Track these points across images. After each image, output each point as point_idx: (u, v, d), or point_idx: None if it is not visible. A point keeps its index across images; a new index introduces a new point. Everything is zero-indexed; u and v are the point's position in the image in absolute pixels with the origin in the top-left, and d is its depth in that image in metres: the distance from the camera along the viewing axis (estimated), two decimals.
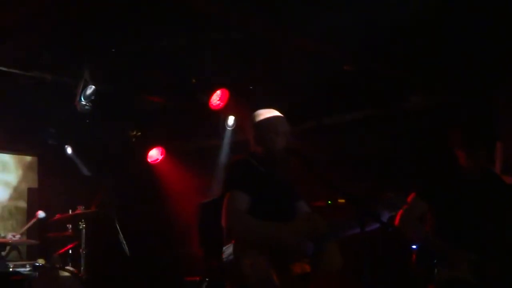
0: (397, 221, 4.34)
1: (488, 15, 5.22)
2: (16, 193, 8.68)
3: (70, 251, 6.46)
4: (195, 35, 6.12)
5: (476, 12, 5.17)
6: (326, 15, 5.31)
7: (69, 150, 8.14)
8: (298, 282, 3.63)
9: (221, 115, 7.54)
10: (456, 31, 5.48)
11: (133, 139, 8.41)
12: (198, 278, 6.97)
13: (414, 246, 4.58)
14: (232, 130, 7.74)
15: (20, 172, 8.77)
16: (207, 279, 5.42)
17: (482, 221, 4.28)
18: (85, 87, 6.50)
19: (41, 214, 6.60)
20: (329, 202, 6.49)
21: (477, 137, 4.40)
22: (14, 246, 6.19)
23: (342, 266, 3.85)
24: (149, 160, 8.59)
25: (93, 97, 6.52)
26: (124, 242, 6.54)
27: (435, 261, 4.29)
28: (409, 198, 4.42)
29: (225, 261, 3.57)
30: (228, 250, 3.57)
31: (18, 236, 6.48)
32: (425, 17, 5.24)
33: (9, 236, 6.33)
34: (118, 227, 6.56)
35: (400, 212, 4.26)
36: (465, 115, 6.22)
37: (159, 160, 8.61)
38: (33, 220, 6.67)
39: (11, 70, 6.39)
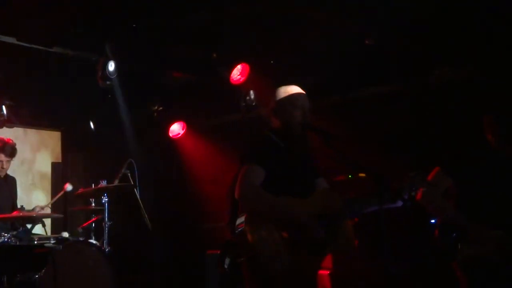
0: (419, 196, 4.31)
1: None
2: (40, 167, 8.80)
3: (93, 225, 6.54)
4: (216, 10, 6.09)
5: None
6: None
7: (92, 125, 8.20)
8: (312, 258, 3.65)
9: (241, 90, 7.52)
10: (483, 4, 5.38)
11: (155, 114, 8.44)
12: (219, 252, 7.06)
13: (433, 221, 4.56)
14: (252, 105, 7.72)
15: (44, 146, 8.88)
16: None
17: (508, 198, 4.23)
18: (107, 63, 6.53)
19: (69, 187, 6.67)
20: (350, 176, 6.47)
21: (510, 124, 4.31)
22: (39, 219, 6.27)
23: (355, 245, 3.84)
24: (170, 134, 8.62)
25: (115, 73, 6.54)
26: (146, 216, 6.61)
27: (457, 236, 4.26)
28: (433, 173, 4.39)
29: (237, 233, 3.59)
30: (239, 221, 3.59)
31: (45, 209, 6.58)
32: None
33: (37, 209, 6.43)
34: (140, 201, 6.63)
35: (422, 187, 4.23)
36: (492, 92, 6.12)
37: (180, 135, 8.64)
38: (61, 193, 6.75)
39: (34, 46, 6.44)
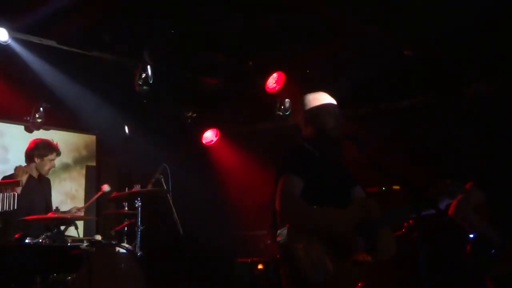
0: (451, 209, 4.25)
1: None
2: (75, 170, 8.90)
3: (126, 229, 6.58)
4: (253, 18, 6.11)
5: None
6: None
7: (126, 129, 8.28)
8: (354, 269, 3.59)
9: (277, 98, 7.52)
10: None
11: (189, 120, 8.48)
12: (249, 260, 7.04)
13: (471, 236, 4.48)
14: (287, 113, 7.71)
15: (79, 150, 8.99)
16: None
17: None
18: (144, 68, 6.59)
19: (106, 188, 6.71)
20: (384, 188, 6.41)
21: None
22: (72, 221, 6.34)
23: (395, 253, 3.79)
24: (204, 141, 8.65)
25: (151, 79, 6.59)
26: (178, 221, 6.63)
27: (492, 252, 4.18)
28: (466, 187, 4.31)
29: (280, 244, 3.57)
30: (282, 233, 3.56)
31: (81, 211, 6.64)
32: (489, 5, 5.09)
33: (74, 210, 6.50)
34: (172, 206, 6.65)
35: (455, 200, 4.16)
36: None
37: (213, 142, 8.66)
38: (99, 194, 6.80)
39: (72, 49, 6.53)
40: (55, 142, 6.49)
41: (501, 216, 4.25)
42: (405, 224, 4.82)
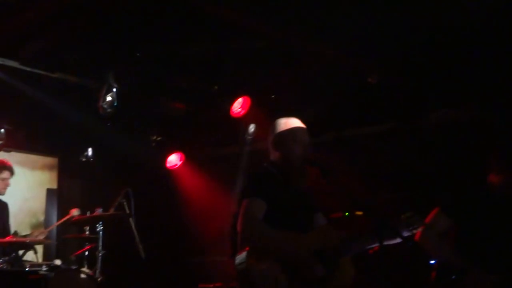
0: (418, 236, 4.28)
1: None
2: (35, 193, 8.73)
3: (87, 253, 6.47)
4: (219, 42, 6.13)
5: (500, 33, 5.15)
6: (351, 27, 5.31)
7: (90, 152, 8.17)
8: None
9: (242, 122, 7.53)
10: (482, 50, 5.45)
11: (154, 144, 8.43)
12: (212, 285, 6.97)
13: (432, 262, 4.52)
14: (252, 138, 7.73)
15: (39, 172, 8.83)
16: None
17: (506, 243, 4.20)
18: (108, 91, 6.54)
19: (75, 212, 6.60)
20: (346, 214, 6.45)
21: None
22: (31, 246, 6.20)
23: (351, 283, 3.79)
24: (168, 165, 8.60)
25: (115, 101, 6.55)
26: (141, 246, 6.55)
27: (453, 278, 4.22)
28: (433, 213, 4.36)
29: (238, 267, 3.55)
30: (240, 257, 3.55)
31: (40, 235, 6.51)
32: (451, 35, 5.22)
33: (35, 233, 6.39)
34: (135, 231, 6.57)
35: (421, 227, 4.19)
36: (492, 134, 6.15)
37: (178, 166, 8.62)
38: (67, 217, 6.68)
39: (35, 70, 6.45)
40: (7, 161, 6.40)
41: (466, 243, 4.30)
42: (371, 251, 4.85)
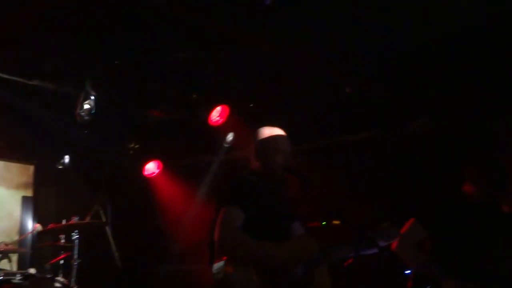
0: (394, 246, 4.31)
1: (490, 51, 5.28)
2: (10, 201, 8.62)
3: (62, 262, 6.39)
4: (198, 51, 6.14)
5: (479, 47, 5.23)
6: (329, 37, 5.35)
7: (67, 159, 8.10)
8: None
9: (220, 131, 7.53)
10: (460, 60, 5.52)
11: (131, 152, 8.38)
12: None
13: (408, 271, 4.55)
14: (230, 146, 7.73)
15: (15, 180, 8.72)
16: None
17: (481, 252, 4.25)
18: (86, 98, 6.50)
19: (38, 227, 6.54)
20: (324, 223, 6.47)
21: (491, 175, 4.36)
22: (5, 254, 6.12)
23: None
24: (145, 173, 8.56)
25: (93, 109, 6.51)
26: (117, 255, 6.50)
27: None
28: (408, 223, 4.40)
29: (216, 277, 3.54)
30: (218, 266, 3.53)
31: (10, 245, 6.42)
32: (429, 45, 5.29)
33: (2, 245, 6.28)
34: (111, 239, 6.52)
35: (398, 237, 4.22)
36: (471, 145, 6.22)
37: (155, 174, 8.58)
38: (29, 233, 6.61)
39: (13, 78, 6.39)
40: None
41: (441, 252, 4.33)
42: (346, 263, 4.86)
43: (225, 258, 3.52)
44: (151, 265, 8.34)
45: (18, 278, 5.74)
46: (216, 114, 7.26)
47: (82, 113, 6.51)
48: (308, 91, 6.50)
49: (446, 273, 4.21)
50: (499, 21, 4.94)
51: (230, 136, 7.65)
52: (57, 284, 5.92)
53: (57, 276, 6.21)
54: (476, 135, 6.30)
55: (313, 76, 6.30)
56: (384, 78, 6.18)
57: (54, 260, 6.49)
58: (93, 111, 6.54)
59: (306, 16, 5.24)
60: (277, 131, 3.98)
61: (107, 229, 6.51)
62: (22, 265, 7.69)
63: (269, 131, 3.97)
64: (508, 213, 4.56)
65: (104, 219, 6.52)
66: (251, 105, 7.20)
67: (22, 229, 8.31)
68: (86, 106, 6.50)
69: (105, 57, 6.15)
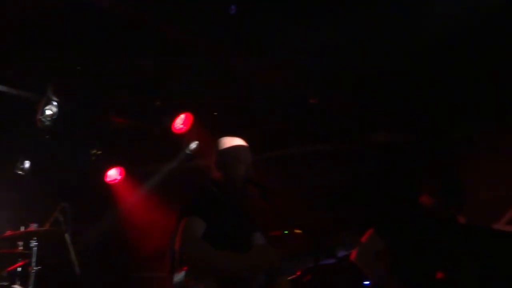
0: (353, 256, 4.36)
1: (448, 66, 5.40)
2: None
3: (19, 269, 6.28)
4: (163, 58, 6.12)
5: (437, 62, 5.33)
6: (294, 48, 5.39)
7: (27, 164, 7.97)
8: None
9: (183, 139, 7.51)
10: (419, 76, 5.63)
11: (93, 158, 8.29)
12: None
13: (367, 282, 4.60)
14: (193, 154, 7.72)
15: None
16: None
17: (436, 263, 4.32)
18: (47, 104, 6.41)
19: None
20: (286, 232, 6.50)
21: (449, 187, 4.44)
22: None
23: None
24: (107, 179, 8.47)
25: (54, 115, 6.42)
26: (76, 262, 6.40)
27: None
28: (367, 234, 4.45)
29: (175, 286, 3.53)
30: (179, 275, 3.53)
31: None
32: (393, 59, 5.37)
33: None
34: (70, 247, 6.42)
35: (357, 247, 4.27)
36: (429, 156, 6.33)
37: (117, 180, 8.50)
38: None
39: None
40: None
41: (398, 262, 4.39)
42: (305, 278, 4.90)
43: (185, 268, 3.52)
44: (111, 273, 8.25)
45: None
46: (180, 122, 7.24)
47: (43, 119, 6.42)
48: (272, 102, 6.53)
49: (403, 283, 4.27)
50: (454, 39, 5.06)
51: (193, 144, 7.63)
52: None
53: (14, 284, 6.11)
54: (434, 147, 6.42)
55: (277, 86, 6.34)
56: (345, 90, 6.25)
57: (11, 268, 6.38)
58: (54, 117, 6.46)
59: (271, 27, 5.27)
60: (239, 141, 3.99)
61: (66, 236, 6.40)
62: None
63: (230, 141, 3.98)
64: (463, 225, 4.66)
65: (64, 226, 6.41)
66: (215, 113, 7.20)
67: None
68: (48, 112, 6.42)
69: (69, 63, 6.08)
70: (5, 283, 6.07)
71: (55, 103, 6.43)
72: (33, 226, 6.21)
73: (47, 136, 7.24)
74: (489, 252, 5.06)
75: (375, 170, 6.82)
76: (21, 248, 6.34)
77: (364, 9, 4.85)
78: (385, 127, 6.87)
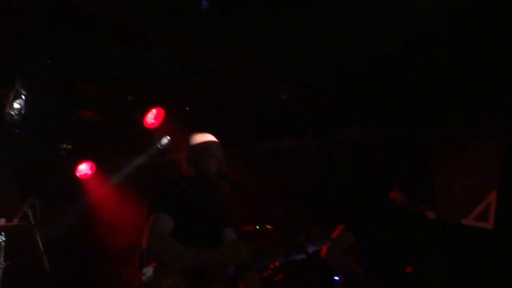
0: (323, 252, 4.39)
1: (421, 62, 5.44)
2: None
3: None
4: (134, 52, 6.07)
5: (409, 57, 5.38)
6: (265, 43, 5.39)
7: None
8: None
9: (154, 134, 7.47)
10: (391, 72, 5.67)
11: (63, 152, 8.19)
12: None
13: (337, 278, 4.64)
14: (165, 149, 7.68)
15: None
16: None
17: (404, 257, 4.37)
18: (16, 97, 6.32)
19: None
20: (257, 227, 6.52)
21: (419, 184, 4.49)
22: None
23: None
24: (78, 174, 8.39)
25: (23, 109, 6.34)
26: (45, 258, 6.33)
27: None
28: (337, 230, 4.48)
29: (143, 281, 3.52)
30: (147, 271, 3.52)
31: None
32: (366, 54, 5.40)
33: None
34: (39, 242, 6.35)
35: (328, 242, 4.30)
36: (400, 152, 6.40)
37: (88, 175, 8.42)
38: None
39: None
40: None
41: (368, 258, 4.43)
42: (271, 265, 4.92)
43: (154, 264, 3.51)
44: (80, 269, 8.18)
45: None
46: (152, 117, 7.20)
47: (12, 112, 6.33)
48: (243, 97, 6.53)
49: (373, 279, 4.31)
50: (428, 34, 5.10)
51: (165, 139, 7.60)
52: None
53: None
54: (406, 143, 6.48)
55: (249, 81, 6.34)
56: (317, 86, 6.27)
57: None
58: (23, 111, 6.37)
59: (242, 22, 5.26)
60: (210, 137, 4.00)
61: (36, 231, 6.32)
62: None
63: (201, 137, 3.98)
64: (433, 220, 4.74)
65: (33, 221, 6.33)
66: (187, 108, 7.17)
67: None
68: (16, 106, 6.33)
69: (38, 56, 5.99)
70: None
71: (23, 97, 6.35)
72: (1, 221, 6.13)
73: (16, 130, 7.14)
74: (457, 247, 5.15)
75: (347, 166, 6.86)
76: None
77: (335, 3, 4.86)
78: (357, 124, 6.91)
